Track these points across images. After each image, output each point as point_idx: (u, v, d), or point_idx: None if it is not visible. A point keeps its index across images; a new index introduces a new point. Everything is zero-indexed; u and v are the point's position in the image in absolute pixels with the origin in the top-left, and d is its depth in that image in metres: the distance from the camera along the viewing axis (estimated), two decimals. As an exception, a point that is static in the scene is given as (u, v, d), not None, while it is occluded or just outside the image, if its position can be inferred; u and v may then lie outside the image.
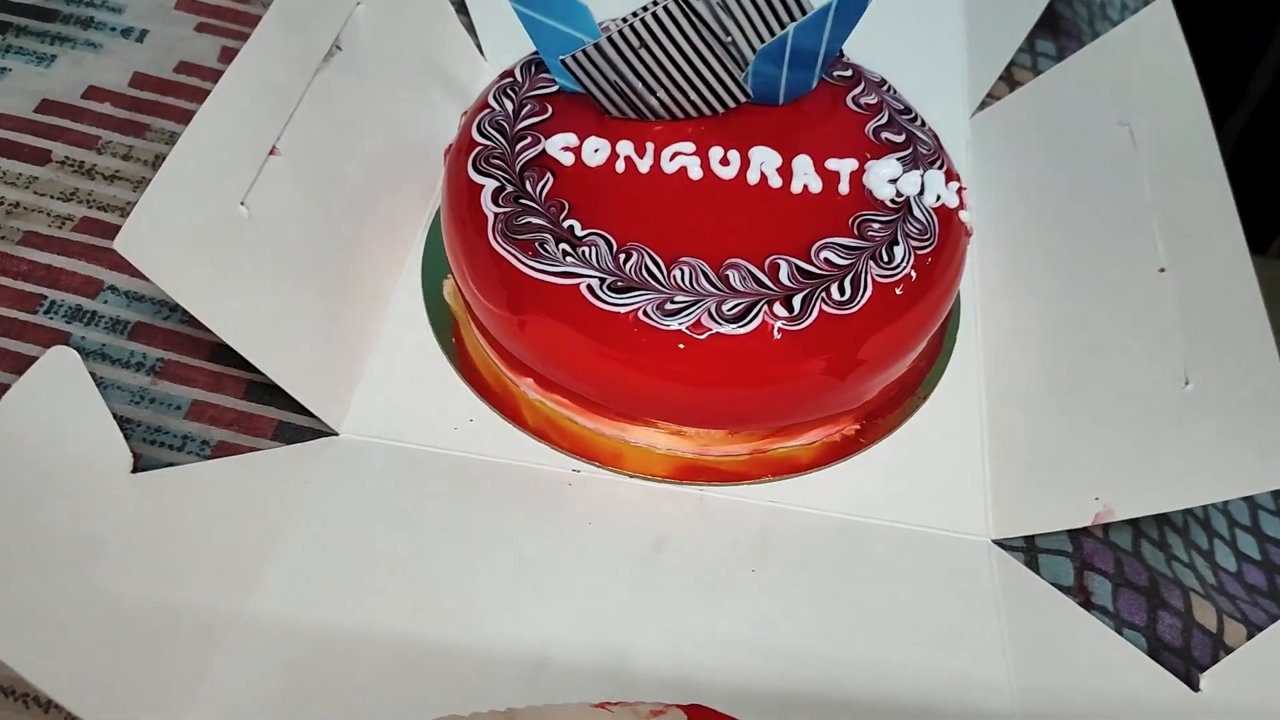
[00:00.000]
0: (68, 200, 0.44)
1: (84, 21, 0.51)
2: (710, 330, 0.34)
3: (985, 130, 0.50)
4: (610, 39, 0.37)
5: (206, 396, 0.39)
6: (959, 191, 0.39)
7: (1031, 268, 0.44)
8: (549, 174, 0.37)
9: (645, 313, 0.35)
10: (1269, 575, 0.42)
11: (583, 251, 0.35)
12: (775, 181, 0.38)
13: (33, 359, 0.38)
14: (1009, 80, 0.53)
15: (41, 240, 0.42)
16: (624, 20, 0.38)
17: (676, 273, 0.35)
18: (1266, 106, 1.00)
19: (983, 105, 0.51)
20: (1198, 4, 0.64)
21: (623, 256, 0.35)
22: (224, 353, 0.38)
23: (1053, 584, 0.36)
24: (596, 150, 0.38)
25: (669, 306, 0.35)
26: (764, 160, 0.38)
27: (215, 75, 0.49)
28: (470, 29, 0.52)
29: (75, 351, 0.31)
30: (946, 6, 0.57)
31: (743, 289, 0.35)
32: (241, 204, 0.36)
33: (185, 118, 0.47)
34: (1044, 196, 0.45)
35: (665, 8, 0.36)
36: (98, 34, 0.50)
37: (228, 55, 0.50)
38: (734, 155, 0.38)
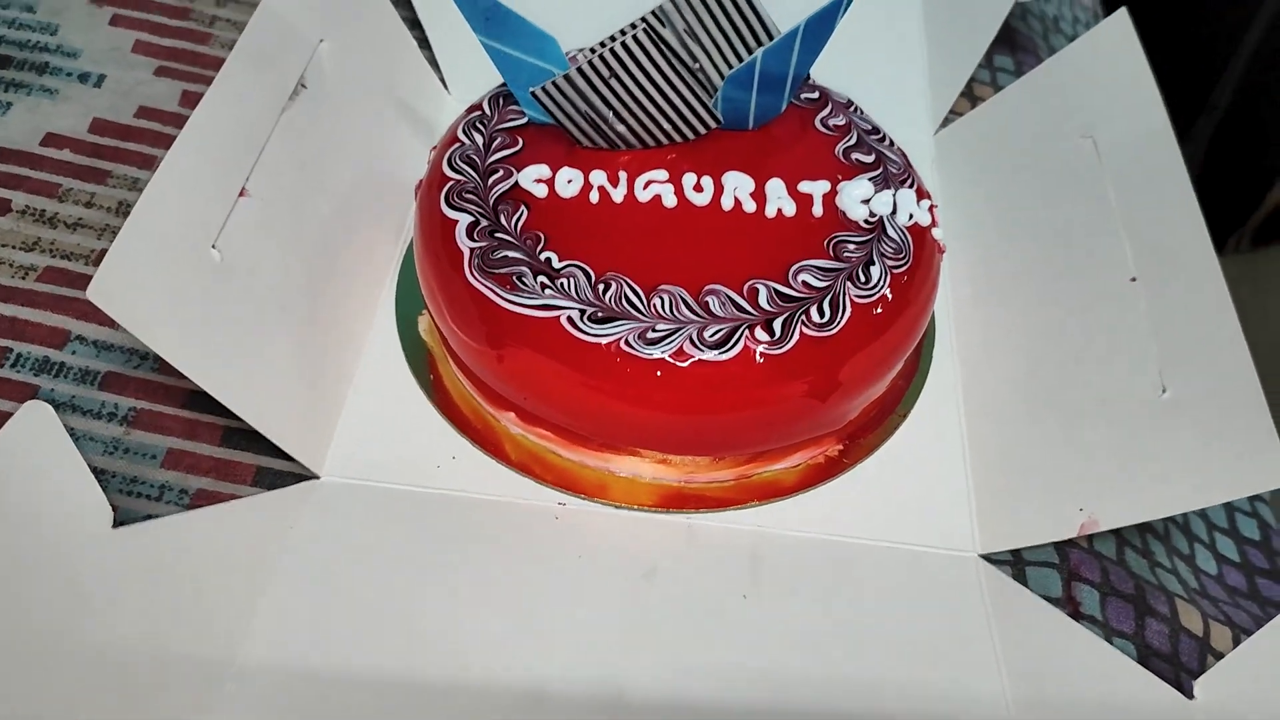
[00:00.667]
0: (30, 250, 0.43)
1: (39, 67, 0.50)
2: (693, 357, 0.34)
3: (950, 147, 0.51)
4: (579, 70, 0.37)
5: (183, 444, 0.38)
6: (930, 209, 0.39)
7: (1003, 281, 0.44)
8: (523, 206, 0.37)
9: (627, 342, 0.34)
10: (1248, 576, 0.43)
11: (561, 283, 0.35)
12: (749, 206, 0.38)
13: (2, 413, 0.37)
14: (970, 96, 0.53)
15: (5, 292, 0.42)
16: (592, 50, 0.38)
17: (656, 301, 0.35)
18: (1231, 115, 1.02)
19: (946, 122, 0.52)
20: (1160, 19, 0.65)
21: (602, 287, 0.35)
22: (198, 399, 0.38)
23: (1042, 596, 0.37)
24: (570, 181, 0.38)
25: (650, 335, 0.34)
26: (737, 185, 0.38)
27: (176, 119, 0.49)
28: (433, 62, 0.52)
29: (49, 405, 0.31)
30: (906, 27, 0.58)
31: (723, 314, 0.35)
32: (213, 247, 0.36)
33: (147, 163, 0.47)
34: (1011, 210, 0.46)
35: (634, 37, 0.36)
36: (54, 79, 0.50)
37: (188, 99, 0.49)
38: (707, 181, 0.38)
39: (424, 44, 0.53)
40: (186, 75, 0.51)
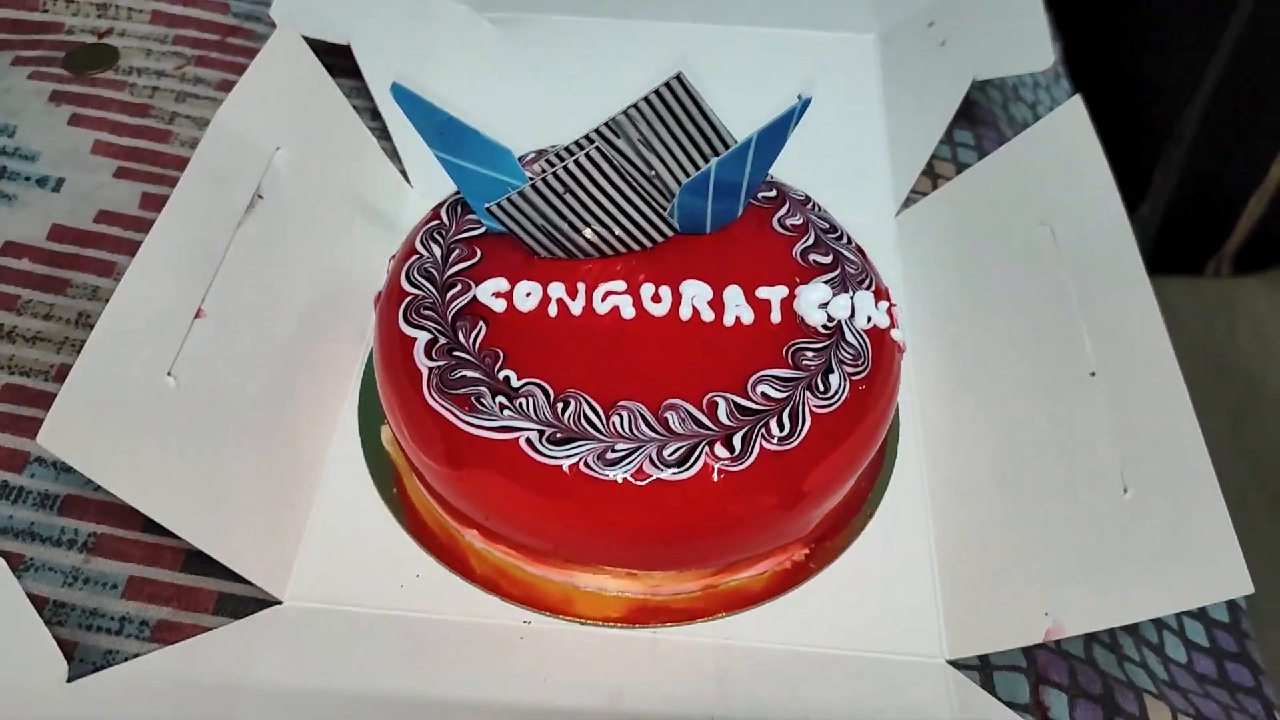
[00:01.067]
0: (-13, 368, 0.43)
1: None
2: (652, 477, 0.34)
3: (911, 229, 0.51)
4: (534, 186, 0.37)
5: (143, 571, 0.38)
6: (889, 310, 0.39)
7: (967, 370, 0.44)
8: (481, 322, 0.37)
9: (586, 464, 0.34)
10: (1218, 662, 0.43)
11: (520, 403, 0.35)
12: (707, 315, 0.38)
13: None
14: (930, 174, 0.54)
15: (-39, 413, 0.41)
16: (548, 163, 0.38)
17: (615, 419, 0.35)
18: (1201, 135, 1.02)
19: (908, 202, 0.52)
20: (1099, 86, 0.66)
21: (561, 405, 0.35)
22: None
23: (1008, 703, 0.36)
24: (528, 294, 0.38)
25: (609, 456, 0.34)
26: (695, 294, 0.38)
27: (137, 223, 0.49)
28: (393, 154, 0.52)
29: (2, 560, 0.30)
30: (864, 107, 0.58)
31: (682, 431, 0.35)
32: (169, 374, 0.36)
33: (106, 270, 0.47)
34: (974, 296, 0.46)
35: (588, 154, 0.36)
36: (11, 184, 0.50)
37: (149, 202, 0.49)
38: (665, 291, 0.38)
39: (383, 134, 0.53)
40: (147, 176, 0.51)
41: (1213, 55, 0.97)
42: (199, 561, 0.38)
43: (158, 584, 0.38)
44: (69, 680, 0.33)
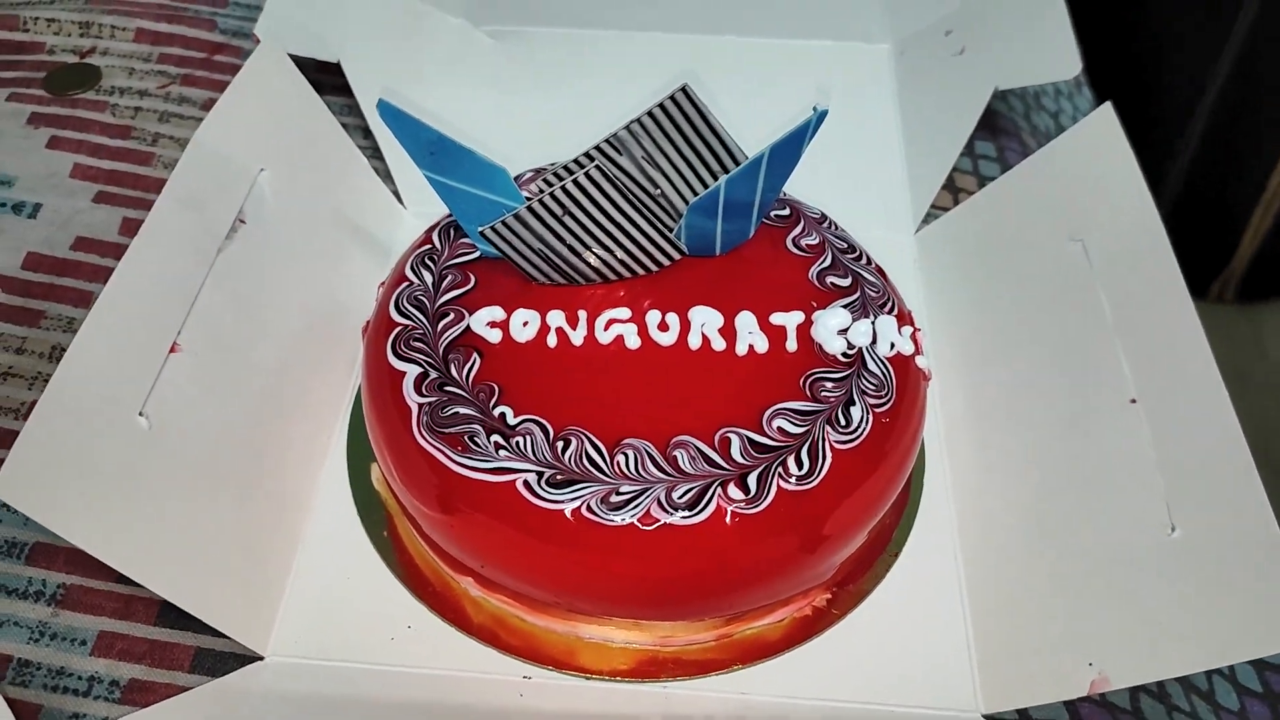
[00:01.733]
0: (-45, 406, 0.40)
1: (-31, 198, 0.48)
2: (660, 521, 0.32)
3: (932, 246, 0.48)
4: (531, 207, 0.34)
5: (115, 626, 0.35)
6: (913, 335, 0.36)
7: (995, 397, 0.41)
8: (475, 354, 0.35)
9: (589, 508, 0.32)
10: (1272, 706, 0.40)
11: (517, 442, 0.33)
12: (719, 344, 0.35)
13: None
14: (951, 188, 0.51)
15: (-74, 455, 0.39)
16: (546, 183, 0.35)
17: (620, 459, 0.32)
18: (1200, 155, 1.00)
19: (928, 219, 0.49)
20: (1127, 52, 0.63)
21: (561, 444, 0.33)
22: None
23: (1052, 761, 0.34)
24: (525, 323, 0.35)
25: (614, 499, 0.32)
26: (705, 321, 0.36)
27: (116, 250, 0.46)
28: (385, 174, 0.50)
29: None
30: (881, 121, 0.55)
31: (693, 471, 0.32)
32: (140, 414, 0.33)
33: (84, 300, 0.44)
34: (1001, 317, 0.43)
35: (589, 173, 0.34)
36: (-13, 211, 0.47)
37: (130, 227, 0.47)
38: (673, 318, 0.35)
39: (375, 154, 0.50)
40: (128, 200, 0.48)
41: (1214, 65, 0.95)
42: (174, 614, 0.35)
43: (130, 639, 0.35)
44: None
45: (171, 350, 0.35)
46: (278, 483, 0.38)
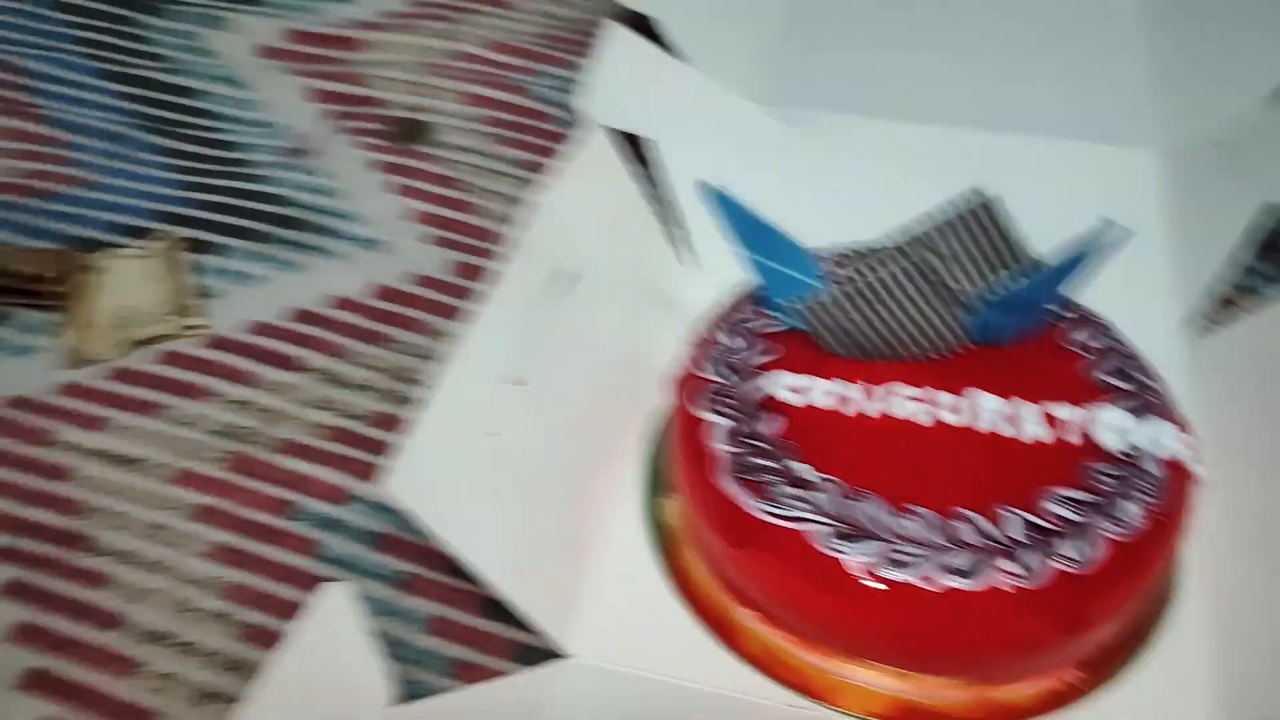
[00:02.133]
0: (321, 408, 0.47)
1: (325, 230, 0.56)
2: (938, 585, 0.35)
3: (1206, 358, 0.49)
4: (845, 294, 0.39)
5: (446, 612, 0.41)
6: (1190, 444, 0.39)
7: (1265, 513, 0.43)
8: (779, 415, 0.39)
9: (872, 563, 0.35)
10: None
11: (812, 496, 0.37)
12: (1002, 429, 0.38)
13: (280, 565, 0.41)
14: (1226, 301, 0.52)
15: (296, 448, 0.46)
16: (858, 272, 0.39)
17: (905, 523, 0.36)
18: None
19: (1201, 329, 0.51)
20: None
21: (851, 503, 0.37)
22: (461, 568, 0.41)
23: None
24: (826, 392, 0.40)
25: (896, 558, 0.35)
26: (991, 407, 0.39)
27: (447, 288, 0.53)
28: (676, 241, 0.55)
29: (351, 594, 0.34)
30: (1151, 228, 0.57)
31: (971, 541, 0.36)
32: (490, 434, 0.39)
33: (423, 329, 0.51)
34: (1273, 430, 0.44)
35: (894, 274, 0.38)
36: (336, 242, 0.55)
37: (457, 268, 0.54)
38: (960, 401, 0.39)
39: (679, 224, 0.56)
40: (457, 245, 0.55)
41: None
42: (495, 609, 0.41)
43: (458, 625, 0.41)
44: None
45: (514, 382, 0.41)
46: (586, 502, 0.43)
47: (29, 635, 0.40)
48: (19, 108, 0.64)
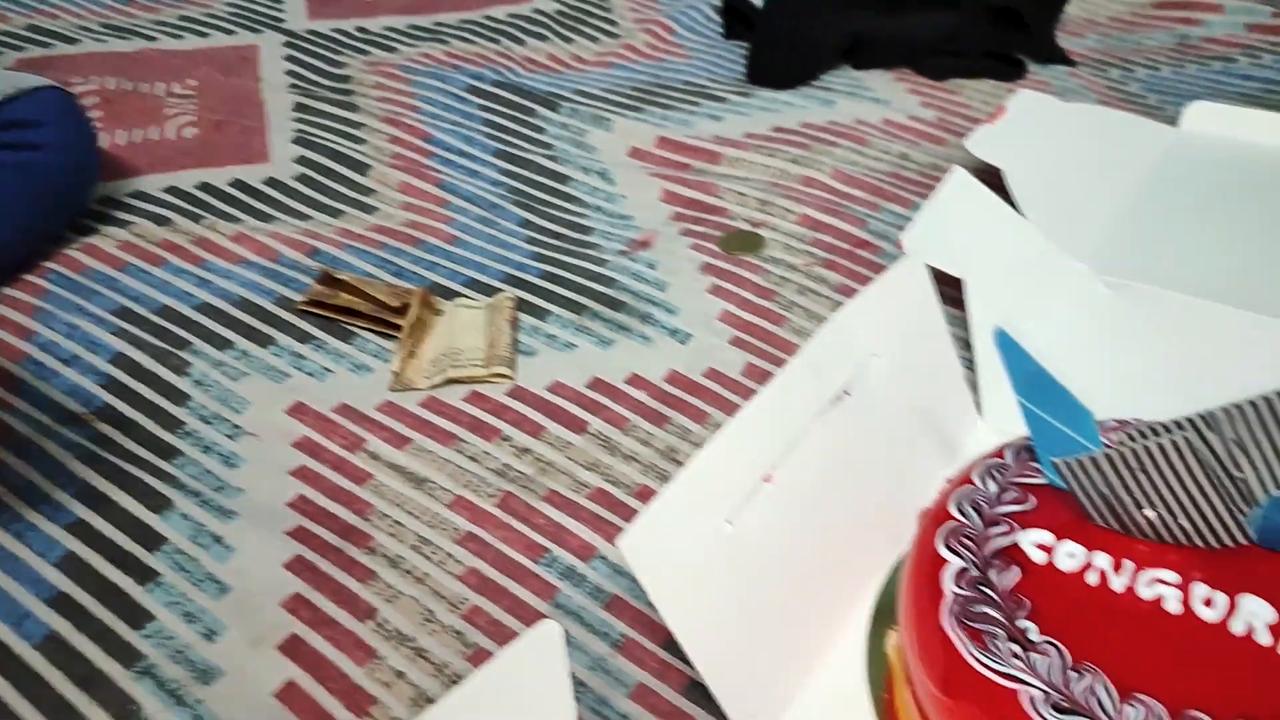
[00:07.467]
0: (589, 469, 0.51)
1: (643, 316, 0.60)
2: (1153, 782, 0.32)
3: None
4: (1109, 456, 0.37)
5: (652, 683, 0.43)
6: None
7: None
8: (1016, 567, 0.38)
9: (1085, 743, 0.33)
10: None
11: (1033, 658, 0.35)
12: (1263, 638, 0.35)
13: (520, 601, 0.44)
14: None
15: (561, 500, 0.50)
16: (1129, 436, 0.38)
17: (1129, 710, 0.34)
18: None
19: None
20: None
21: (1074, 675, 0.35)
22: (675, 645, 0.42)
23: None
24: (1071, 555, 0.38)
25: (1112, 744, 0.33)
26: (1255, 611, 0.36)
27: (736, 386, 0.56)
28: (974, 384, 0.55)
29: (559, 629, 0.36)
30: None
31: (1199, 746, 0.33)
32: (727, 521, 0.41)
33: (700, 417, 0.54)
34: None
35: (1174, 441, 0.36)
36: (651, 329, 0.59)
37: (752, 371, 0.56)
38: (1221, 598, 0.36)
39: (969, 365, 0.55)
40: (756, 350, 0.58)
41: None
42: (698, 692, 0.42)
43: (660, 698, 0.42)
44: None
45: (766, 480, 0.42)
46: (814, 616, 0.44)
47: (300, 606, 0.46)
48: (421, 169, 0.75)
